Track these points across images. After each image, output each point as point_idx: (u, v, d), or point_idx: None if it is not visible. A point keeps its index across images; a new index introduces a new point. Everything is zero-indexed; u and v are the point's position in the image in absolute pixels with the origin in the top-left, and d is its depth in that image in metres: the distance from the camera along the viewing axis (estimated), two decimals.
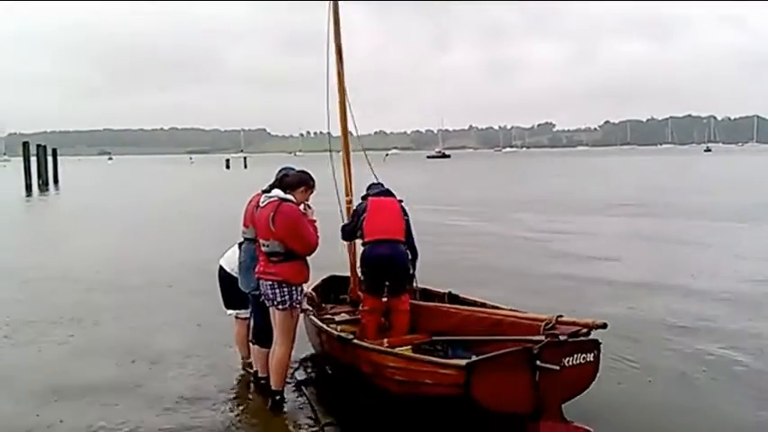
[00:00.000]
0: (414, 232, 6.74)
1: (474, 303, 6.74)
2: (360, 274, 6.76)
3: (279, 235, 5.51)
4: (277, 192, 5.67)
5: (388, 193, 6.93)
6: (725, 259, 13.47)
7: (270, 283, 5.63)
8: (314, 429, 5.50)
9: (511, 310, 6.25)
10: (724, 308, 9.24)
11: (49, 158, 49.54)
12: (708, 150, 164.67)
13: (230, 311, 6.97)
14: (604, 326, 5.02)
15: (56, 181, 48.99)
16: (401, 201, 6.85)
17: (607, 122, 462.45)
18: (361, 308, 6.85)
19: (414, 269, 6.82)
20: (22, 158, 45.64)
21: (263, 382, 6.15)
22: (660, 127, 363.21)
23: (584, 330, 5.05)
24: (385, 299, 6.55)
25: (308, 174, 5.91)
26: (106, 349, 7.76)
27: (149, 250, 15.86)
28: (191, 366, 7.11)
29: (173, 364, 7.19)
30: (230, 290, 6.71)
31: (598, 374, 5.00)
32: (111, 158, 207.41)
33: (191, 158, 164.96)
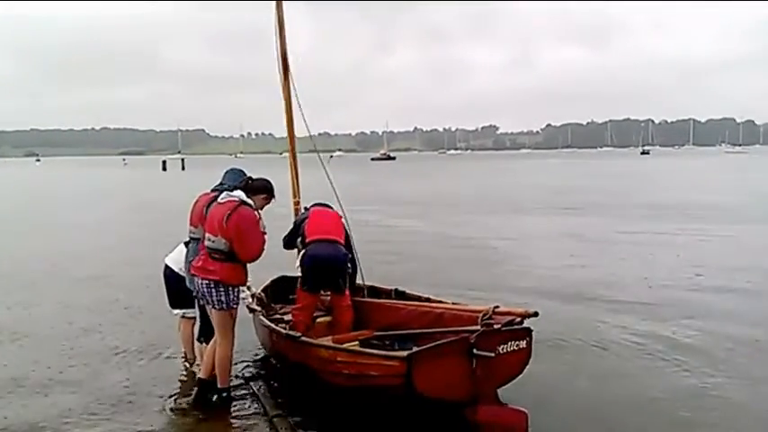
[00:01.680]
0: (354, 246, 7.02)
1: (419, 299, 6.99)
2: (299, 273, 6.83)
3: (228, 234, 5.54)
4: (239, 193, 5.73)
5: (330, 206, 7.23)
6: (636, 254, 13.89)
7: (207, 282, 5.63)
8: (263, 422, 5.59)
9: (453, 303, 6.56)
10: (649, 298, 9.71)
11: None
12: (645, 153, 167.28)
13: (176, 311, 6.94)
14: (536, 314, 5.37)
15: None
16: (341, 216, 7.11)
17: (549, 125, 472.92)
18: (294, 305, 6.96)
19: (353, 277, 7.08)
20: None
21: (210, 379, 6.07)
22: (600, 130, 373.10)
23: (519, 319, 5.35)
24: (327, 297, 6.89)
25: (271, 184, 6.10)
26: (43, 349, 7.60)
27: (78, 248, 15.65)
28: (135, 366, 7.06)
29: (116, 364, 7.13)
30: (177, 289, 6.68)
31: (531, 360, 5.29)
32: (38, 160, 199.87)
33: (124, 160, 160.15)
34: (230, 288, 5.64)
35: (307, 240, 6.68)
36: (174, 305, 6.91)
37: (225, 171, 6.36)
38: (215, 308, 5.66)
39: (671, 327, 8.19)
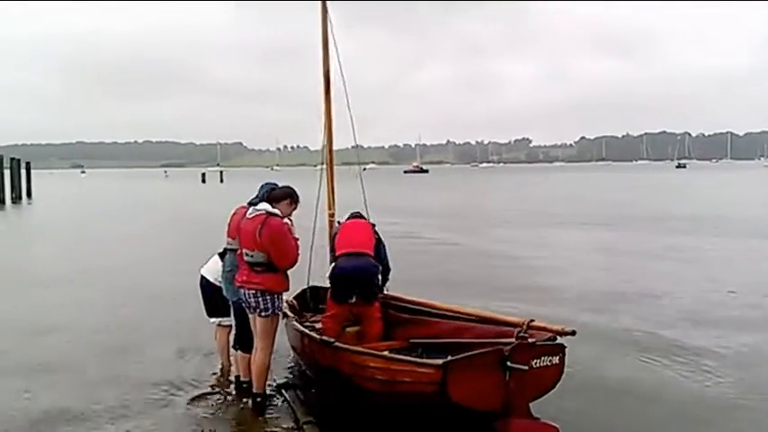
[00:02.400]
0: (387, 251, 7.12)
1: (450, 309, 7.00)
2: (329, 283, 7.03)
3: (264, 247, 5.78)
4: (265, 206, 5.94)
5: (362, 216, 7.40)
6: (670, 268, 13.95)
7: (253, 291, 5.88)
8: (294, 426, 5.76)
9: (486, 313, 6.58)
10: (681, 316, 9.69)
11: (23, 172, 48.98)
12: (681, 167, 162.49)
13: (213, 319, 7.15)
14: (573, 333, 5.42)
15: (29, 194, 48.45)
16: (374, 225, 7.22)
17: (583, 138, 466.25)
18: (324, 313, 7.11)
19: (385, 282, 7.17)
20: None
21: (245, 385, 6.41)
22: (635, 143, 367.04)
23: (550, 335, 5.43)
24: (353, 305, 6.86)
25: (293, 189, 6.24)
26: (85, 359, 7.87)
27: (121, 260, 16.18)
28: (173, 373, 7.28)
29: (153, 369, 7.36)
30: (213, 298, 6.88)
31: (563, 376, 5.33)
32: (84, 172, 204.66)
33: (165, 172, 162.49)
34: (275, 295, 5.91)
35: (336, 254, 6.91)
36: (210, 314, 7.11)
37: (260, 185, 6.49)
38: (260, 315, 5.90)
39: (708, 345, 8.19)
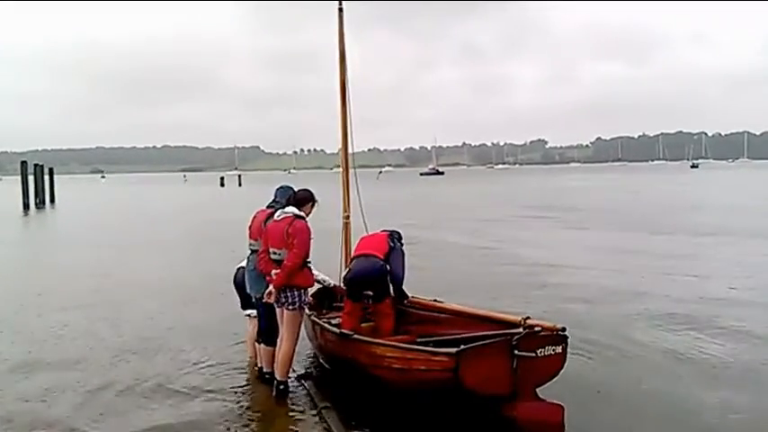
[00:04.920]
0: (405, 263, 7.49)
1: (455, 310, 7.47)
2: (342, 284, 7.64)
3: (289, 244, 6.31)
4: (291, 209, 6.51)
5: (386, 231, 7.83)
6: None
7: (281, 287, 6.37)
8: (312, 412, 6.27)
9: (486, 311, 7.09)
10: (688, 312, 9.97)
11: (46, 177, 49.96)
12: (695, 167, 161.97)
13: (247, 311, 7.59)
14: (563, 330, 5.82)
15: (52, 200, 49.39)
16: (398, 240, 7.64)
17: (599, 139, 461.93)
18: (342, 310, 7.61)
19: (398, 289, 7.51)
20: (15, 177, 46.01)
21: (267, 376, 6.91)
22: (651, 143, 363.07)
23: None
24: (367, 302, 7.40)
25: (312, 192, 6.83)
26: (120, 350, 8.41)
27: (151, 264, 16.77)
28: (203, 363, 7.79)
29: (185, 361, 7.88)
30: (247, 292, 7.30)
31: (566, 363, 5.76)
32: (104, 177, 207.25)
33: (184, 176, 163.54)
34: (302, 290, 6.45)
35: (351, 257, 7.62)
36: (244, 306, 7.55)
37: (276, 188, 7.07)
38: (287, 309, 6.41)
39: (706, 339, 8.45)
